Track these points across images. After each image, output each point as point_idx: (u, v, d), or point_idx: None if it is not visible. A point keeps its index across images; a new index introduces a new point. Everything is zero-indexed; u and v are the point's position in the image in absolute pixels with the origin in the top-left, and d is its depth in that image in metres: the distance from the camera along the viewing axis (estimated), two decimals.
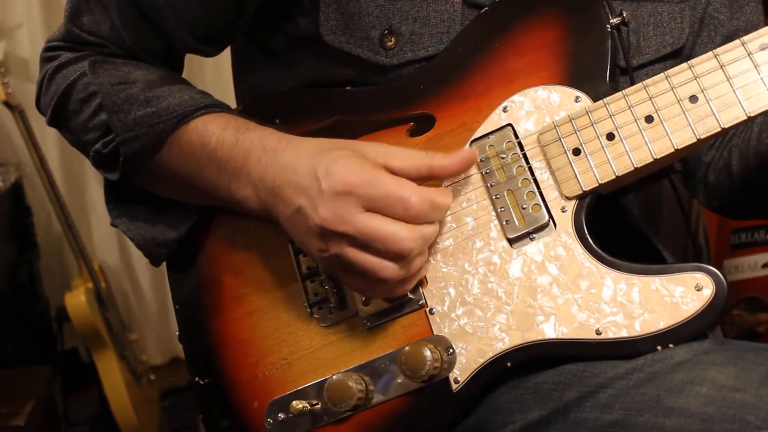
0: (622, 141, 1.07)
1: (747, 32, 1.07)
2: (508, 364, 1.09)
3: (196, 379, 1.24)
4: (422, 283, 1.13)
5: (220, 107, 1.19)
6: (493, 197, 1.12)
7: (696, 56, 1.08)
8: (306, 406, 1.14)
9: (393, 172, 1.07)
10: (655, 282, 1.05)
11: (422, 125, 1.17)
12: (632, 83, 1.15)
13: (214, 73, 3.47)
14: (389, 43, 1.18)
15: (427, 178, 1.09)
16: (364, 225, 1.03)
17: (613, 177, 1.07)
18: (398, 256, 1.05)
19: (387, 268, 1.05)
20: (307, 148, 1.10)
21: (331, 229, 1.04)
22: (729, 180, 1.35)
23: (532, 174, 1.11)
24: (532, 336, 1.08)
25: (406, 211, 1.03)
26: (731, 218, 1.53)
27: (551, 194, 1.10)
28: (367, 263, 1.05)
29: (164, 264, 1.29)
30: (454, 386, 1.10)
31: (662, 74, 1.07)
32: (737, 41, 1.05)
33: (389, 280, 1.06)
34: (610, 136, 1.08)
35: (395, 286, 1.09)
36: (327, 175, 1.04)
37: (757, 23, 1.36)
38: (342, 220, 1.03)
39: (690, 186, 1.45)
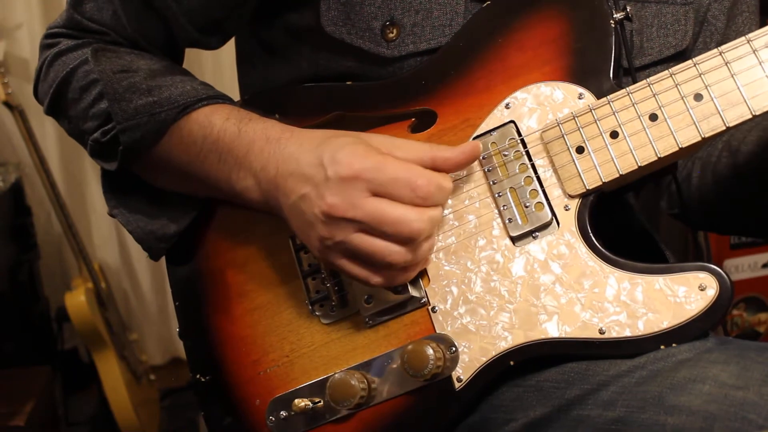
0: (626, 139, 1.07)
1: None
2: (511, 363, 1.08)
3: (198, 376, 1.23)
4: (424, 278, 1.13)
5: (222, 99, 1.19)
6: (496, 195, 1.11)
7: None
8: (308, 405, 1.14)
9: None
10: (659, 281, 1.04)
11: (424, 121, 1.16)
12: (634, 82, 1.15)
13: (213, 70, 3.46)
14: (391, 35, 1.17)
15: (429, 167, 1.07)
16: (374, 208, 1.02)
17: (617, 175, 1.07)
18: (408, 239, 1.04)
19: (395, 251, 1.04)
20: (310, 138, 1.10)
21: (339, 216, 1.03)
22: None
23: (535, 172, 1.11)
24: (535, 335, 1.07)
25: (414, 193, 1.03)
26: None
27: (554, 192, 1.10)
28: (374, 247, 1.04)
29: (164, 263, 1.28)
30: (457, 385, 1.09)
31: (666, 71, 1.06)
32: (743, 38, 1.04)
33: (395, 265, 1.06)
34: (614, 134, 1.07)
35: (399, 272, 1.08)
36: (332, 161, 1.04)
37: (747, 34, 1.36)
38: (350, 206, 1.03)
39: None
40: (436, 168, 1.08)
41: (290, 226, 1.11)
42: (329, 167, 1.04)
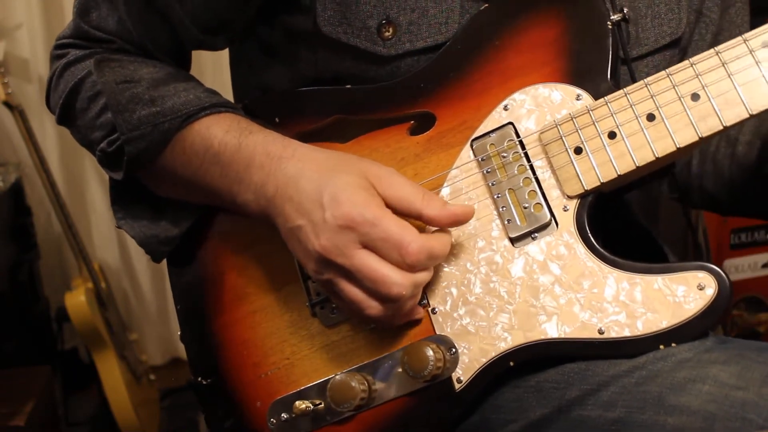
0: (623, 140, 1.07)
1: (729, 33, 1.05)
2: (511, 364, 1.08)
3: (199, 379, 1.24)
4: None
5: (225, 107, 1.19)
6: (495, 196, 1.11)
7: (692, 54, 1.08)
8: (309, 407, 1.14)
9: (385, 200, 1.06)
10: (658, 281, 1.04)
11: (423, 124, 1.16)
12: (632, 75, 1.15)
13: (213, 71, 3.46)
14: (387, 33, 1.17)
15: (414, 219, 1.07)
16: (361, 262, 1.03)
17: (615, 176, 1.07)
18: (387, 299, 1.05)
19: (372, 306, 1.05)
20: (313, 161, 1.09)
21: (329, 259, 1.04)
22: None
23: (534, 173, 1.11)
24: (535, 336, 1.08)
25: (402, 258, 1.03)
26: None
27: (553, 193, 1.10)
28: (355, 297, 1.05)
29: (164, 265, 1.29)
30: (457, 386, 1.10)
31: (664, 72, 1.06)
32: (739, 38, 1.04)
33: (371, 318, 1.07)
34: (612, 135, 1.08)
35: (378, 322, 1.09)
36: (332, 204, 1.04)
37: (740, 24, 1.35)
38: (340, 253, 1.03)
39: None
40: (422, 220, 1.07)
41: (287, 244, 1.12)
42: (328, 209, 1.04)
